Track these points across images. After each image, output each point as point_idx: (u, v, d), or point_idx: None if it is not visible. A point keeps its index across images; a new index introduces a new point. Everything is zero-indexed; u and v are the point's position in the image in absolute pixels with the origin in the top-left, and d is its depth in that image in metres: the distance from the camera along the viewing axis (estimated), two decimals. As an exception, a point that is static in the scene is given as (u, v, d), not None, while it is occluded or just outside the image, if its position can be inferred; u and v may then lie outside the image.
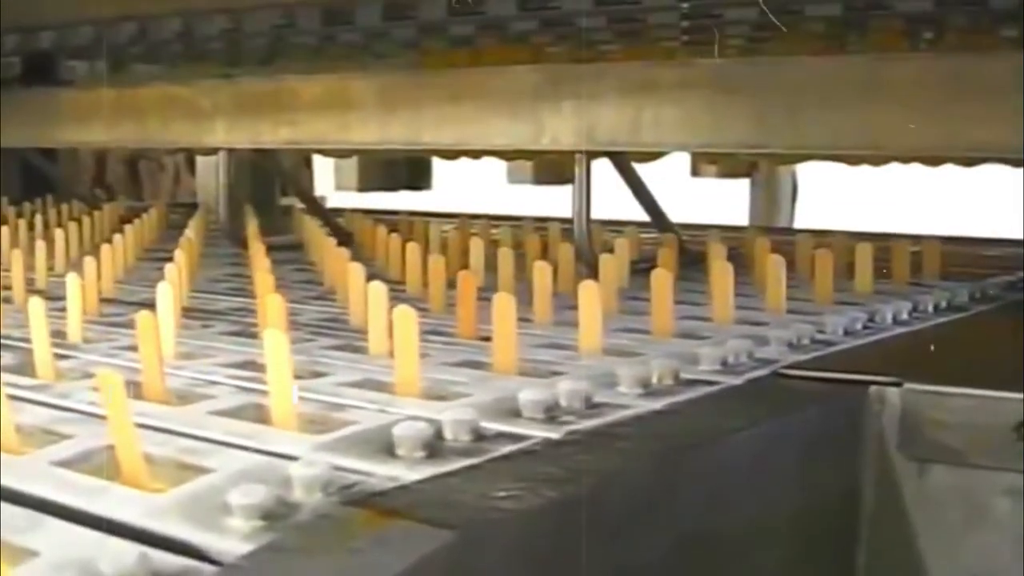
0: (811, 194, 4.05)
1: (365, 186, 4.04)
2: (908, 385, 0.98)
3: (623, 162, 2.02)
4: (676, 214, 2.17)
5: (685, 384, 1.00)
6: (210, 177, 3.15)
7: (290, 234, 2.30)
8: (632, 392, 0.96)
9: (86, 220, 2.20)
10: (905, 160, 2.25)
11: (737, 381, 1.03)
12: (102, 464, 0.78)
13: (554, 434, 0.84)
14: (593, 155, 1.92)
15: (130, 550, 0.61)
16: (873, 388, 1.00)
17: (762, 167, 3.57)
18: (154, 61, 3.08)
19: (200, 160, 3.62)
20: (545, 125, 1.91)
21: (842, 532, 1.00)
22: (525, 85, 1.96)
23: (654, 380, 0.98)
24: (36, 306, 1.04)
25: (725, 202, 3.68)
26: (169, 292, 1.15)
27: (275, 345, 0.84)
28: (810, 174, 3.79)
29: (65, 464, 0.79)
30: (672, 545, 0.81)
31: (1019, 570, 0.94)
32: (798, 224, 3.68)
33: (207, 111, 2.38)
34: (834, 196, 3.73)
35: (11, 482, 0.75)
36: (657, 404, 0.93)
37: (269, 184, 3.03)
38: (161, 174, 4.09)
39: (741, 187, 3.86)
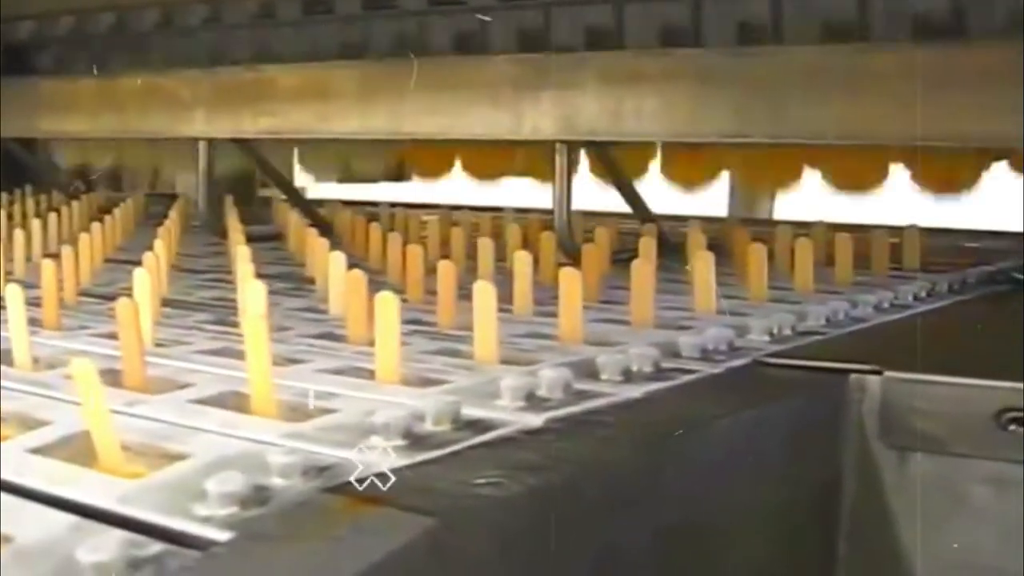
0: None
1: (345, 177, 4.03)
2: (888, 373, 0.98)
3: (604, 153, 2.02)
4: (655, 206, 2.17)
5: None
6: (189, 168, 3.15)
7: (270, 224, 2.29)
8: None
9: (64, 210, 2.19)
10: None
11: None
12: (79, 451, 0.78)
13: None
14: (574, 145, 1.92)
15: (110, 534, 0.61)
16: (853, 376, 1.00)
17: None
18: (134, 51, 3.07)
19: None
20: (525, 115, 1.91)
21: (823, 521, 1.00)
22: (506, 74, 1.95)
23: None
24: (13, 292, 1.04)
25: (704, 194, 3.67)
26: (147, 280, 1.15)
27: (254, 331, 0.84)
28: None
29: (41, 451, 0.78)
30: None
31: (999, 557, 0.94)
32: (777, 216, 3.67)
33: (187, 101, 2.38)
34: (814, 188, 3.72)
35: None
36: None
37: (249, 175, 3.01)
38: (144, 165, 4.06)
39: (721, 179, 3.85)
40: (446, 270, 1.21)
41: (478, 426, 0.82)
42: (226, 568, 0.60)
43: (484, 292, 1.01)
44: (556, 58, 1.94)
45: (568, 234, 1.84)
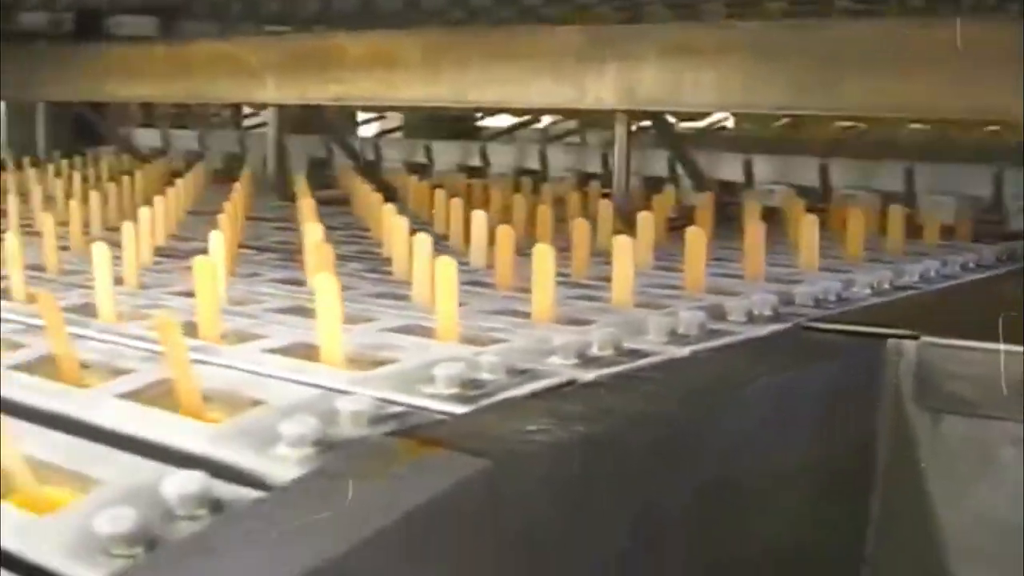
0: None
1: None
2: (924, 338, 1.03)
3: (663, 122, 2.06)
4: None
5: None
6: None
7: (335, 189, 2.34)
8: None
9: (139, 174, 2.25)
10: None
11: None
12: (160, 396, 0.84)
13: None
14: (634, 115, 1.97)
15: (192, 476, 0.67)
16: (891, 341, 1.04)
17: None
18: (204, 18, 3.14)
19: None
20: (588, 85, 1.96)
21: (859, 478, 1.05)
22: (569, 45, 2.00)
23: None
24: (101, 250, 1.10)
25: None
26: (221, 240, 1.22)
27: (325, 288, 0.90)
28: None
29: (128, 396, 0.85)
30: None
31: (1022, 514, 0.98)
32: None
33: (256, 68, 2.43)
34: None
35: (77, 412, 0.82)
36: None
37: (313, 140, 3.06)
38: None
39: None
40: (504, 234, 1.26)
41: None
42: (296, 502, 0.66)
43: (542, 255, 1.07)
44: (617, 29, 1.98)
45: (627, 201, 1.89)
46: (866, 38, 1.71)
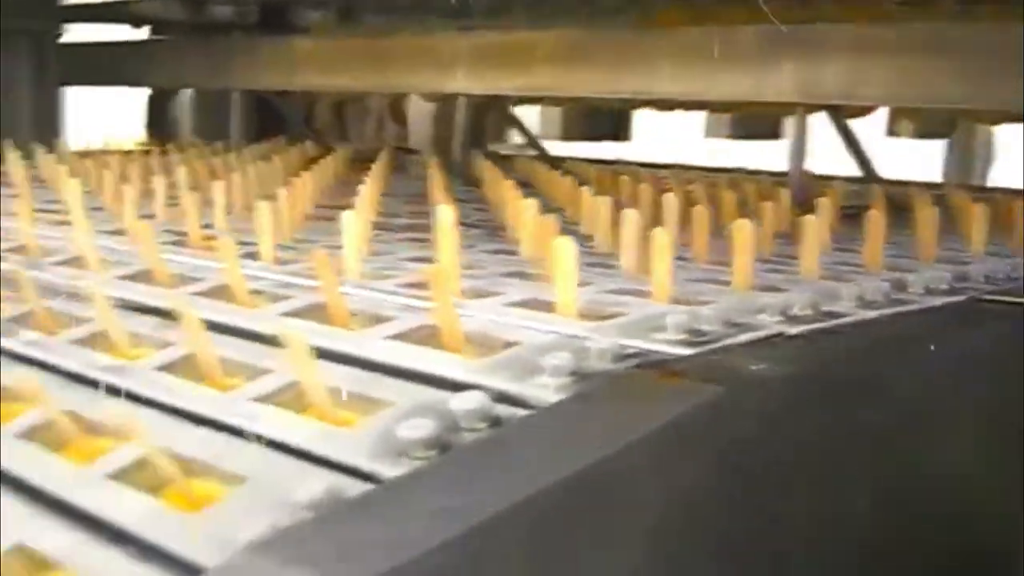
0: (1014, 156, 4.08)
1: (568, 135, 4.20)
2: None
3: (837, 117, 2.17)
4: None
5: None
6: (424, 123, 3.36)
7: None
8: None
9: (323, 162, 2.40)
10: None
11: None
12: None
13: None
14: (810, 109, 2.07)
15: (475, 395, 0.81)
16: None
17: (959, 128, 3.65)
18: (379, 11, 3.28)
19: (413, 107, 3.79)
20: (767, 80, 2.06)
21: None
22: (750, 44, 2.10)
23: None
24: (349, 218, 1.25)
25: (918, 162, 3.76)
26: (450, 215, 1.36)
27: (564, 250, 1.04)
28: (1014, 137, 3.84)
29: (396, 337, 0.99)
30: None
31: None
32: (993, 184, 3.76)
33: (448, 60, 2.57)
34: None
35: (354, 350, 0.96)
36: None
37: (480, 130, 3.19)
38: (365, 119, 4.26)
39: (935, 148, 3.93)
40: (700, 214, 1.39)
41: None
42: (565, 418, 0.80)
43: (742, 229, 1.19)
44: (796, 29, 2.08)
45: (802, 191, 1.99)
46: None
